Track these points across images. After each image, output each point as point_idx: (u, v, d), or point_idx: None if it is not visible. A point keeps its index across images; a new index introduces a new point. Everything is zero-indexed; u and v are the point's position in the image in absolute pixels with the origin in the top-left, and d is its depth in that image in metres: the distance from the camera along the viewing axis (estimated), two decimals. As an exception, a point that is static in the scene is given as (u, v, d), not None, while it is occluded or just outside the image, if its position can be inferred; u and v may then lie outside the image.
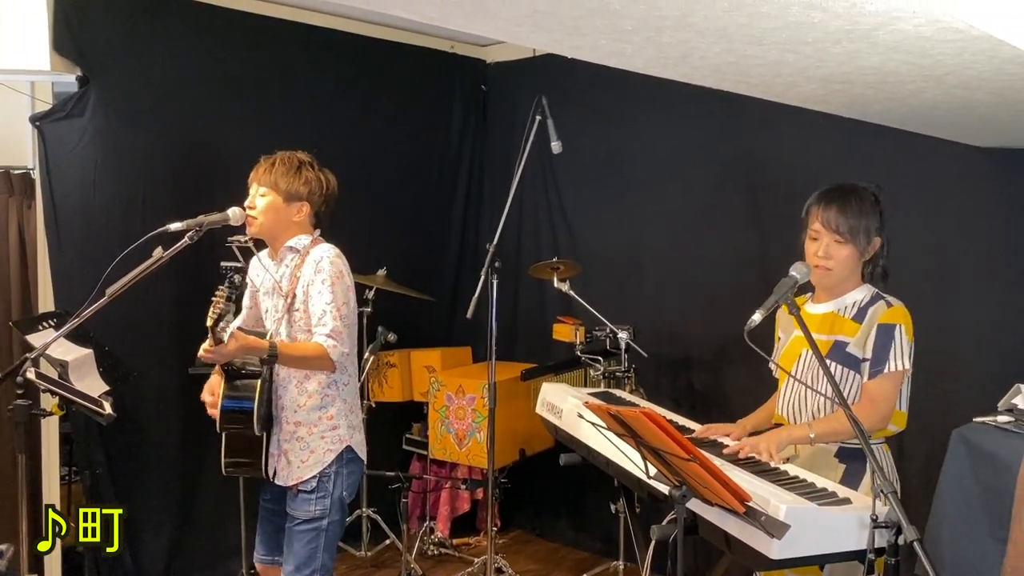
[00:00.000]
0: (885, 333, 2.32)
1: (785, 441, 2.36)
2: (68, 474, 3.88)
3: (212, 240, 2.68)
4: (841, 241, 2.34)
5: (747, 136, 3.86)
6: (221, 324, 2.36)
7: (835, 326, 2.40)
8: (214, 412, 2.63)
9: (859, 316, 2.38)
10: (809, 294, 2.54)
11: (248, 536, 3.62)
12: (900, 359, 2.30)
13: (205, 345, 2.41)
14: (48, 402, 2.90)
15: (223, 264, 2.44)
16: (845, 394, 2.35)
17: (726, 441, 2.50)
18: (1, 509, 3.49)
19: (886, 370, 2.30)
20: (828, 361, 2.36)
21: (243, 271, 2.46)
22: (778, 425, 2.57)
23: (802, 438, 2.35)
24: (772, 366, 2.67)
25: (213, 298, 2.38)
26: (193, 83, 3.84)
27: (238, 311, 2.81)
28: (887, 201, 2.42)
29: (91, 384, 2.98)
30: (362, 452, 2.78)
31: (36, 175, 3.55)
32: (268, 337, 2.64)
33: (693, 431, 2.66)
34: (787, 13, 1.47)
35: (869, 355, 2.33)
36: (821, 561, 2.01)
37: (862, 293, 2.41)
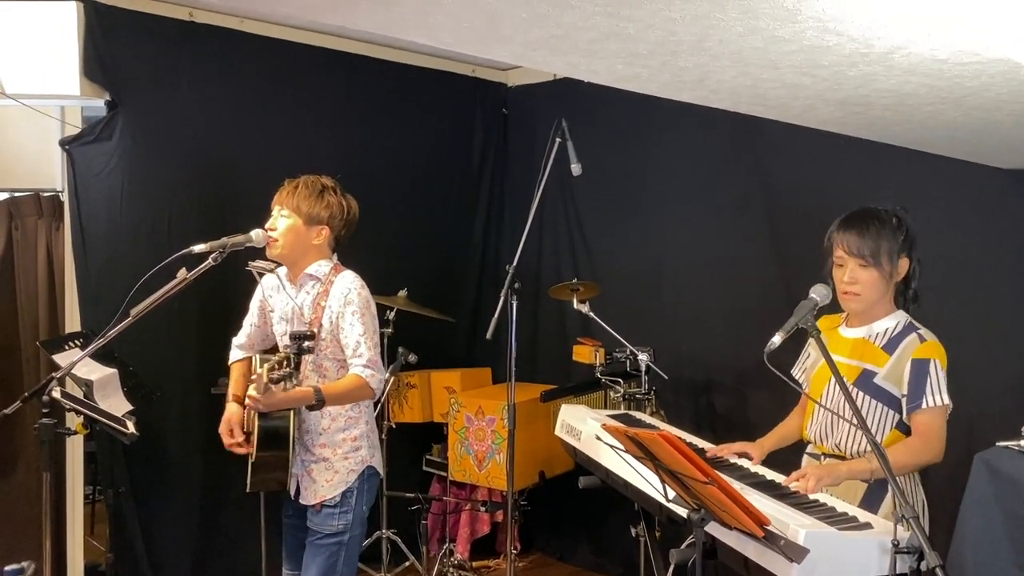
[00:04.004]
0: (920, 368, 2.28)
1: (844, 475, 2.27)
2: (92, 493, 3.92)
3: (236, 261, 2.72)
4: (865, 264, 2.32)
5: (767, 158, 3.85)
6: (279, 385, 2.45)
7: (864, 353, 2.37)
8: (236, 449, 2.70)
9: (890, 346, 2.34)
10: (845, 314, 2.50)
11: (269, 555, 3.63)
12: (938, 395, 2.26)
13: (252, 391, 2.47)
14: (73, 421, 2.94)
15: (294, 331, 2.54)
16: (873, 428, 2.31)
17: (774, 475, 2.40)
18: (26, 527, 3.53)
19: (923, 405, 2.26)
20: (855, 390, 2.34)
21: (313, 336, 2.56)
22: (807, 444, 2.54)
23: (863, 472, 2.26)
24: (799, 377, 2.58)
25: (276, 357, 2.51)
26: (219, 107, 3.91)
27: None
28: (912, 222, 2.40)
29: (115, 403, 3.02)
30: (380, 468, 2.86)
31: (65, 197, 3.62)
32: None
33: (706, 451, 2.64)
34: (802, 37, 1.48)
35: (906, 391, 2.29)
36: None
37: (894, 320, 2.38)
